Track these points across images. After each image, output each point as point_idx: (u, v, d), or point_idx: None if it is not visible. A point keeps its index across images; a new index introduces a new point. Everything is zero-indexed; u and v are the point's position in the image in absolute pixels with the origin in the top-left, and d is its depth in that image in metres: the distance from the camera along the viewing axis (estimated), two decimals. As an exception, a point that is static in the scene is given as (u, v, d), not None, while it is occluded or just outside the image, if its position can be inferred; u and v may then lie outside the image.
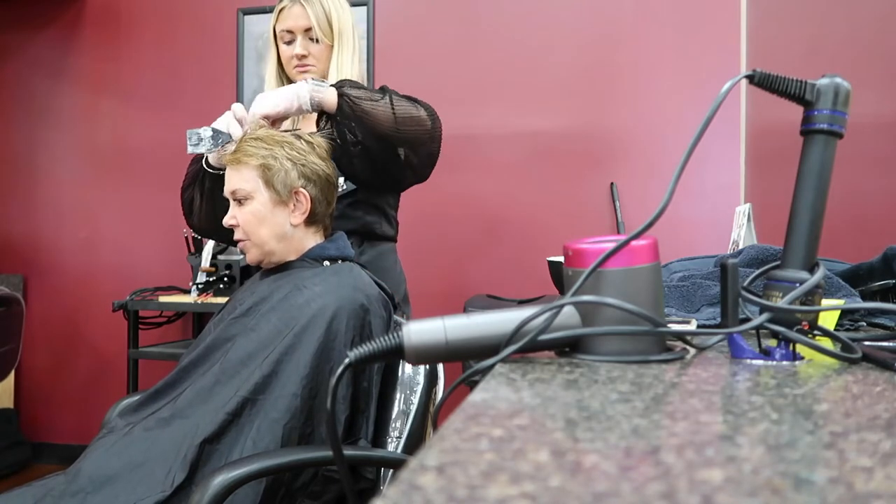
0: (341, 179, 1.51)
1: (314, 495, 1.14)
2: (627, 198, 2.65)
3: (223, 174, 1.35)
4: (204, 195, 1.49)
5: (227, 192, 1.31)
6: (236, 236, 1.31)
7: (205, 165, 1.45)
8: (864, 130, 1.83)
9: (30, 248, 3.24)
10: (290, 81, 1.62)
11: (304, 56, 1.57)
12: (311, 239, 1.33)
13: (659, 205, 0.57)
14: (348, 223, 1.53)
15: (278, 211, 1.28)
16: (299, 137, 1.31)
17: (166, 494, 1.05)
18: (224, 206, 1.35)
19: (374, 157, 1.44)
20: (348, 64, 1.58)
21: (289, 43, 1.58)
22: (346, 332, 1.18)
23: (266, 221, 1.28)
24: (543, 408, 0.44)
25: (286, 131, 1.34)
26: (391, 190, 1.61)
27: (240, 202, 1.29)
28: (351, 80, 1.48)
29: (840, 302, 0.82)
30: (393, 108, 1.40)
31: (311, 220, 1.31)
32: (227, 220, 1.31)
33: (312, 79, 1.42)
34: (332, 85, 1.42)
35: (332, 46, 1.58)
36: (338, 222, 1.49)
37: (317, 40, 1.57)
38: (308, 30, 1.56)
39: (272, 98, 1.38)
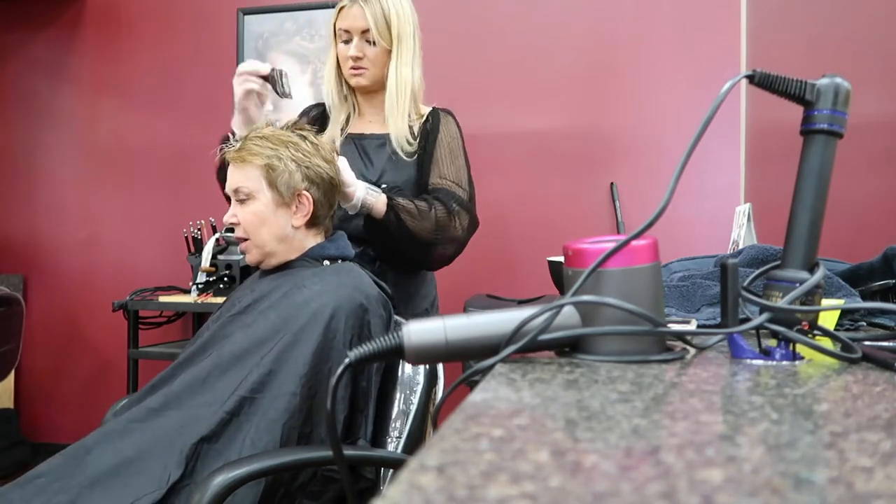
0: (383, 188, 1.51)
1: (314, 495, 1.14)
2: (627, 198, 2.65)
3: None
4: None
5: (228, 189, 1.30)
6: (237, 235, 1.31)
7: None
8: (865, 130, 1.83)
9: (30, 248, 3.24)
10: (345, 81, 1.61)
11: (358, 58, 1.55)
12: (312, 240, 1.33)
13: (659, 205, 0.57)
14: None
15: (280, 212, 1.28)
16: (305, 138, 1.31)
17: (162, 493, 1.04)
18: None
19: (407, 255, 1.50)
20: (407, 71, 1.57)
21: (346, 42, 1.56)
22: (344, 332, 1.18)
23: (267, 222, 1.28)
24: (543, 408, 0.44)
25: (295, 130, 1.33)
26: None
27: (241, 201, 1.29)
28: (401, 191, 1.52)
29: (840, 302, 0.82)
30: (436, 222, 1.47)
31: (312, 223, 1.31)
32: (228, 219, 1.30)
33: (367, 185, 1.44)
34: (384, 190, 1.46)
35: (391, 50, 1.55)
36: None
37: (374, 42, 1.54)
38: (365, 31, 1.53)
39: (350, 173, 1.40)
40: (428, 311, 1.66)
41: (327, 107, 1.66)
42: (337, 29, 1.57)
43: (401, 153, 1.56)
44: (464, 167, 1.60)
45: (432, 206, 1.48)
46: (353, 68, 1.56)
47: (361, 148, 1.59)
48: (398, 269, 1.56)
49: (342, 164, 1.37)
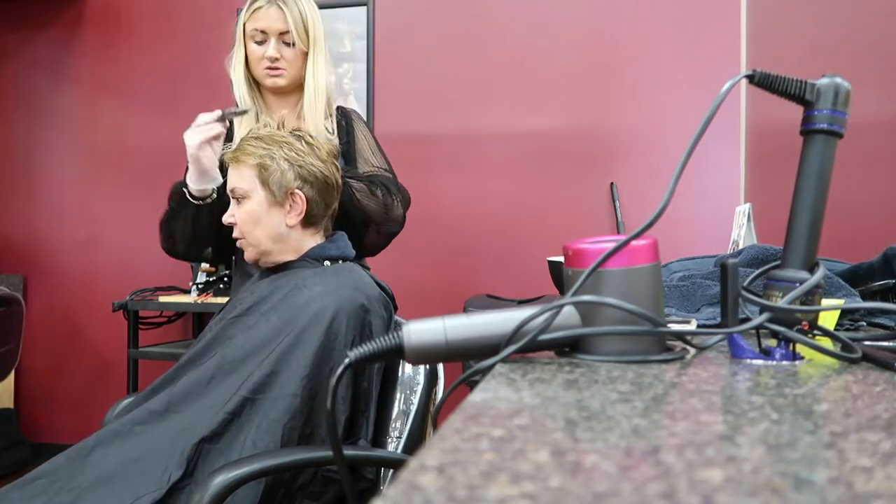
0: None
1: (314, 495, 1.14)
2: (627, 198, 2.65)
3: (205, 204, 1.45)
4: (189, 221, 1.51)
5: (227, 189, 1.32)
6: (234, 234, 1.32)
7: (189, 196, 1.45)
8: (865, 130, 1.83)
9: (30, 248, 3.24)
10: (256, 82, 1.60)
11: (276, 59, 1.55)
12: (310, 240, 1.33)
13: (659, 205, 0.57)
14: None
15: (274, 212, 1.28)
16: (300, 138, 1.31)
17: (162, 492, 1.05)
18: (203, 234, 1.49)
19: (357, 234, 1.51)
20: (323, 71, 1.58)
21: (260, 43, 1.55)
22: (346, 333, 1.18)
23: (261, 222, 1.28)
24: (543, 408, 0.44)
25: (292, 131, 1.34)
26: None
27: (238, 200, 1.30)
28: (353, 171, 1.54)
29: (840, 302, 0.82)
30: (383, 201, 1.52)
31: (308, 222, 1.31)
32: (226, 218, 1.31)
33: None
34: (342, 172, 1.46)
35: (307, 53, 1.56)
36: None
37: (292, 44, 1.55)
38: (284, 33, 1.53)
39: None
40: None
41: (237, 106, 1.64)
42: (248, 29, 1.56)
43: None
44: (384, 155, 1.65)
45: (377, 188, 1.53)
46: (271, 69, 1.56)
47: None
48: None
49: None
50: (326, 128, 1.58)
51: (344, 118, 1.64)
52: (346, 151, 1.61)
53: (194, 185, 1.43)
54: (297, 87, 1.60)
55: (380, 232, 1.56)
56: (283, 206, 1.28)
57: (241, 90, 1.60)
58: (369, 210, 1.50)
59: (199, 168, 1.41)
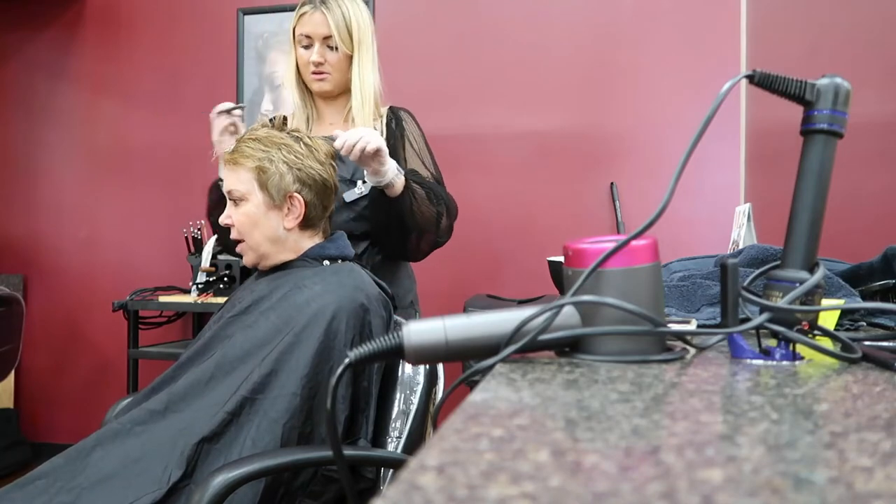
0: (360, 182, 1.53)
1: (314, 495, 1.14)
2: (627, 198, 2.65)
3: None
4: None
5: (224, 190, 1.31)
6: (232, 236, 1.32)
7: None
8: (865, 130, 1.82)
9: (30, 248, 3.24)
10: (306, 85, 1.63)
11: (320, 63, 1.57)
12: (308, 242, 1.33)
13: (659, 205, 0.57)
14: (365, 224, 1.56)
15: (272, 214, 1.28)
16: (299, 140, 1.31)
17: (162, 492, 1.05)
18: None
19: (404, 238, 1.53)
20: (369, 74, 1.59)
21: (307, 47, 1.58)
22: (346, 332, 1.18)
23: (259, 224, 1.28)
24: (543, 408, 0.44)
25: (290, 133, 1.34)
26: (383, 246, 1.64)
27: (235, 202, 1.29)
28: (418, 175, 1.55)
29: (840, 302, 0.82)
30: (437, 212, 1.53)
31: (306, 224, 1.31)
32: (223, 219, 1.31)
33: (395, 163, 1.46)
34: (406, 173, 1.48)
35: (352, 56, 1.57)
36: (354, 224, 1.54)
37: (335, 48, 1.56)
38: (327, 38, 1.56)
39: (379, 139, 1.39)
40: (412, 304, 1.70)
41: (291, 110, 1.69)
42: (297, 34, 1.58)
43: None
44: (434, 161, 1.66)
45: (434, 199, 1.53)
46: (316, 73, 1.58)
47: None
48: (386, 252, 1.60)
49: (375, 136, 1.37)
50: (375, 129, 1.59)
51: (394, 119, 1.64)
52: (394, 155, 1.59)
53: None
54: (346, 91, 1.61)
55: (429, 241, 1.56)
56: (282, 209, 1.28)
57: (293, 94, 1.64)
58: (423, 219, 1.50)
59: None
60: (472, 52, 2.81)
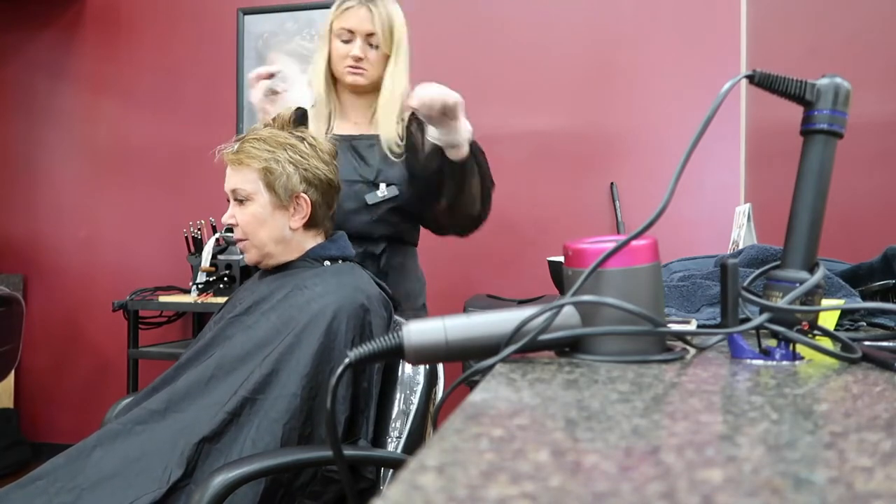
0: (383, 185, 1.53)
1: (314, 495, 1.14)
2: (627, 198, 2.65)
3: None
4: None
5: (226, 189, 1.31)
6: (235, 236, 1.32)
7: None
8: (865, 130, 1.82)
9: (30, 248, 3.24)
10: (334, 80, 1.63)
11: (360, 59, 1.57)
12: (311, 241, 1.33)
13: (659, 205, 0.57)
14: (384, 228, 1.55)
15: (278, 214, 1.28)
16: (303, 140, 1.31)
17: (162, 492, 1.05)
18: None
19: (470, 202, 1.53)
20: (402, 77, 1.60)
21: (346, 42, 1.57)
22: (346, 332, 1.18)
23: (266, 224, 1.28)
24: (543, 408, 0.44)
25: (293, 132, 1.33)
26: (414, 210, 1.64)
27: (240, 202, 1.29)
28: (478, 146, 1.56)
29: (840, 302, 0.82)
30: (482, 197, 1.54)
31: (311, 224, 1.31)
32: (226, 219, 1.31)
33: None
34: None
35: (389, 56, 1.58)
36: (374, 226, 1.55)
37: (376, 46, 1.57)
38: (370, 35, 1.56)
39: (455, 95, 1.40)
40: (424, 306, 1.71)
41: (313, 102, 1.68)
42: (335, 27, 1.58)
43: (390, 154, 1.59)
44: None
45: (487, 181, 1.56)
46: (353, 67, 1.58)
47: (353, 148, 1.61)
48: (453, 222, 1.61)
49: (451, 91, 1.37)
50: (398, 133, 1.60)
51: (417, 124, 1.63)
52: (409, 160, 1.60)
53: None
54: (374, 89, 1.61)
55: (479, 210, 1.57)
56: (288, 209, 1.28)
57: (319, 84, 1.63)
58: (470, 195, 1.51)
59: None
60: (472, 52, 2.81)
